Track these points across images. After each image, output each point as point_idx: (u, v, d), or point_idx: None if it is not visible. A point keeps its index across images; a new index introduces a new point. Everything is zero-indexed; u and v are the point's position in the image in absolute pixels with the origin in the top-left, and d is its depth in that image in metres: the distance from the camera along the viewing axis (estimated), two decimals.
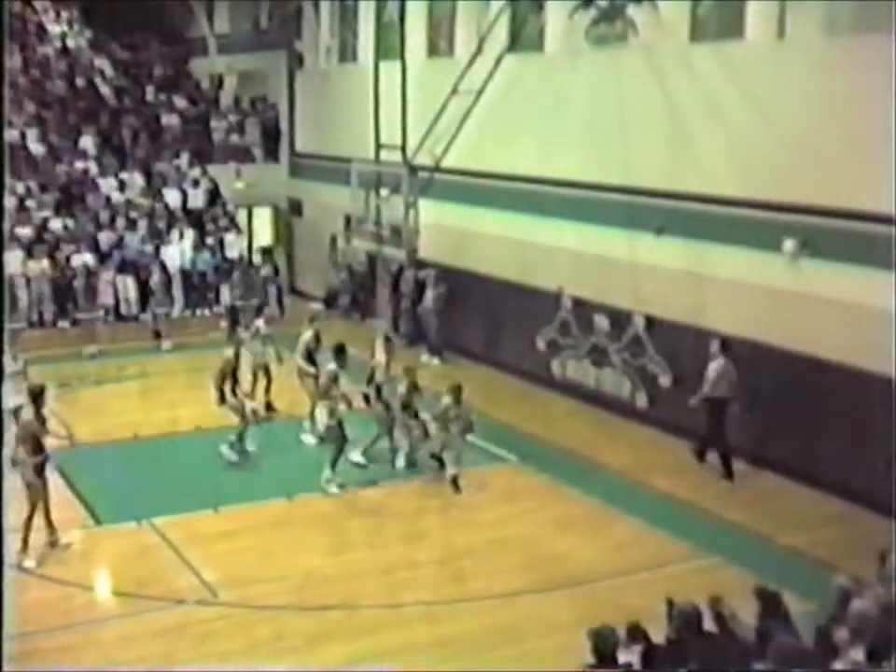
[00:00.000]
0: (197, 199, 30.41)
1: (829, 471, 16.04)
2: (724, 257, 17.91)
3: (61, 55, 34.13)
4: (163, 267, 27.60)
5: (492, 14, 22.84)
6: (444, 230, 24.44)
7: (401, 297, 25.84)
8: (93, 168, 30.19)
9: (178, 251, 28.14)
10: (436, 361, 23.83)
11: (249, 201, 31.94)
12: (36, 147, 29.80)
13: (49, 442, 14.57)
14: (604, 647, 8.61)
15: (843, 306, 15.86)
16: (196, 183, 30.71)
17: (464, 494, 16.51)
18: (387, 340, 19.02)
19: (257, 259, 29.61)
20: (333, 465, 16.46)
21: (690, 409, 17.45)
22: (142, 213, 28.96)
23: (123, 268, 27.24)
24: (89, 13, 35.63)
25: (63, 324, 26.51)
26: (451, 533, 15.60)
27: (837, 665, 8.24)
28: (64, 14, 35.90)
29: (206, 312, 28.11)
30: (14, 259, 25.49)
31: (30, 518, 14.09)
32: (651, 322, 19.50)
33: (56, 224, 27.85)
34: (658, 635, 9.19)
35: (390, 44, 25.55)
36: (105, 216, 28.62)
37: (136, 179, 30.25)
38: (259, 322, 20.46)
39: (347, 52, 30.17)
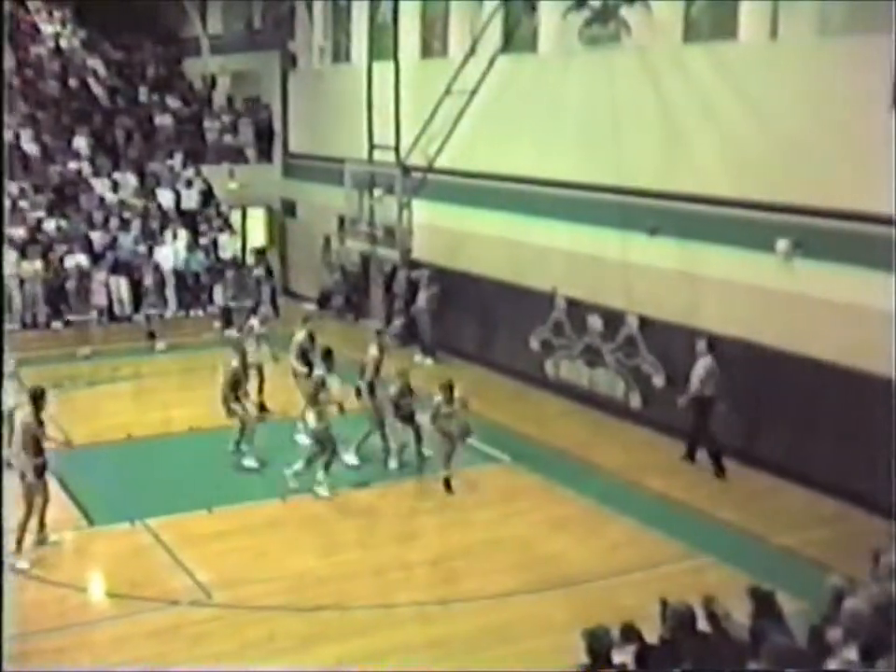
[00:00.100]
0: (190, 199, 30.40)
1: (822, 471, 16.05)
2: (718, 257, 17.92)
3: (54, 55, 34.09)
4: (157, 268, 27.59)
5: (485, 15, 22.88)
6: (438, 230, 24.45)
7: (395, 297, 25.82)
8: (87, 168, 30.17)
9: (172, 252, 28.10)
10: (429, 362, 23.82)
11: (243, 201, 31.91)
12: (30, 148, 29.77)
13: (47, 446, 14.54)
14: (598, 647, 8.61)
15: (836, 306, 15.88)
16: (189, 183, 30.70)
17: (457, 494, 16.51)
18: (378, 333, 18.98)
19: (250, 260, 29.57)
20: (326, 468, 16.39)
21: (683, 409, 17.50)
22: (135, 213, 28.94)
23: (117, 269, 27.21)
24: (82, 13, 35.62)
25: (57, 325, 26.45)
26: (444, 533, 15.59)
27: (831, 664, 8.24)
28: (57, 14, 35.90)
29: (200, 312, 28.08)
30: (8, 260, 25.44)
31: (26, 520, 14.10)
32: (644, 322, 19.51)
33: (49, 225, 27.82)
34: (652, 635, 9.19)
35: (384, 44, 25.60)
36: (98, 216, 28.59)
37: (130, 180, 30.23)
38: (254, 321, 20.44)
39: (341, 53, 30.15)
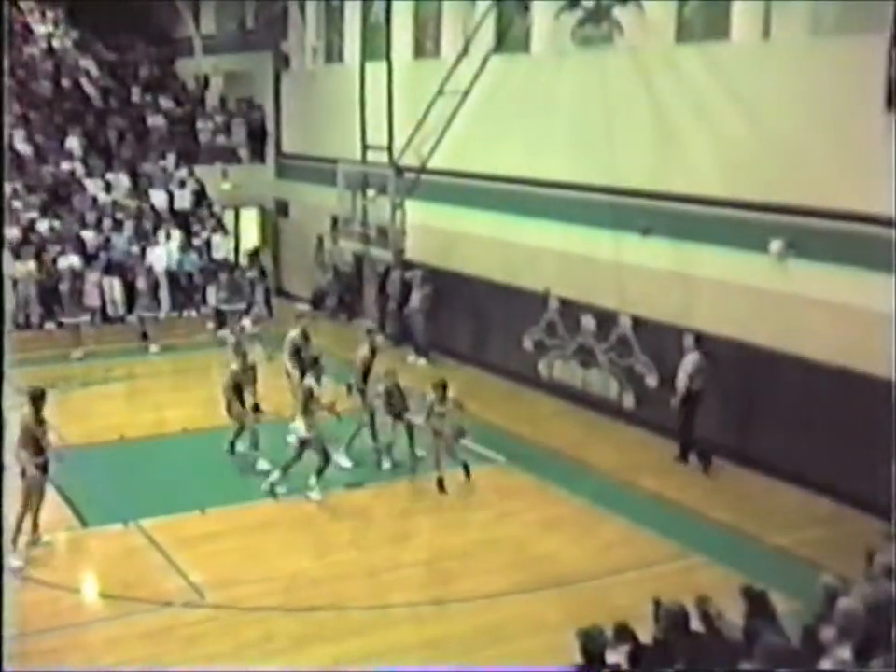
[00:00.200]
0: (183, 200, 30.38)
1: (816, 471, 16.07)
2: (711, 257, 17.94)
3: (46, 56, 34.08)
4: (150, 269, 27.54)
5: (478, 15, 22.90)
6: (431, 230, 24.44)
7: (388, 298, 25.81)
8: (79, 169, 30.14)
9: (165, 252, 28.08)
10: (423, 362, 23.81)
11: (236, 202, 31.90)
12: (23, 148, 29.73)
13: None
14: (593, 647, 8.62)
15: (829, 306, 15.90)
16: (182, 184, 30.69)
17: (450, 495, 16.50)
18: (369, 332, 18.95)
19: (244, 261, 29.52)
20: (319, 474, 16.28)
21: (675, 408, 17.54)
22: (128, 214, 28.91)
23: (110, 269, 27.19)
24: (74, 14, 35.59)
25: (50, 326, 26.44)
26: (438, 534, 15.59)
27: (824, 664, 8.25)
28: (50, 14, 35.87)
29: (193, 313, 28.09)
30: None
31: (22, 518, 14.15)
32: (637, 323, 19.52)
33: (42, 225, 27.78)
34: (645, 635, 9.20)
35: (376, 45, 25.60)
36: (91, 217, 28.56)
37: (122, 180, 30.22)
38: (246, 321, 20.40)
39: (333, 53, 30.14)
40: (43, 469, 14.37)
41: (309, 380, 16.67)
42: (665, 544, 14.63)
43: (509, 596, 13.18)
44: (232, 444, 17.79)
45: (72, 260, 26.81)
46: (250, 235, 32.53)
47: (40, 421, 14.40)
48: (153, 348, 25.28)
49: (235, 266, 28.89)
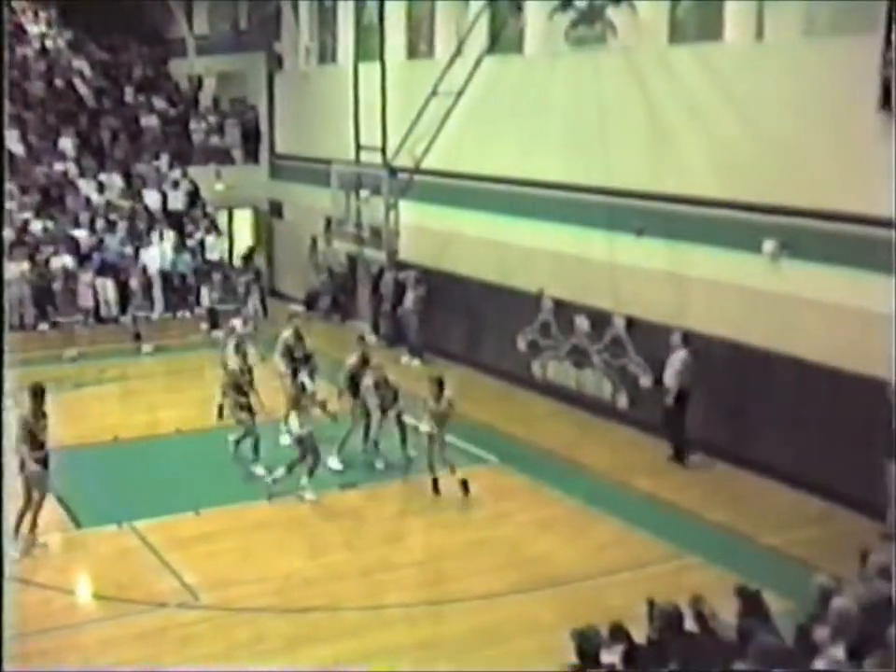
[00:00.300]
0: (177, 200, 30.38)
1: (809, 471, 16.08)
2: (704, 258, 17.95)
3: (39, 56, 34.09)
4: (143, 269, 27.56)
5: (471, 16, 22.89)
6: (425, 231, 24.45)
7: (381, 298, 25.81)
8: (73, 169, 30.12)
9: (158, 253, 28.10)
10: (416, 363, 23.80)
11: (229, 202, 31.89)
12: (16, 149, 29.70)
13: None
14: (588, 648, 8.63)
15: (823, 307, 15.91)
16: (176, 185, 30.67)
17: (444, 496, 16.48)
18: (361, 339, 18.91)
19: (239, 263, 29.47)
20: (310, 474, 16.29)
21: (669, 408, 17.57)
22: (122, 215, 28.91)
23: (103, 270, 27.19)
24: (67, 14, 35.58)
25: (43, 326, 26.45)
26: (431, 534, 15.58)
27: (818, 663, 8.26)
28: (43, 15, 35.87)
29: (187, 314, 28.09)
30: None
31: (24, 512, 14.30)
32: (631, 323, 19.53)
33: (36, 226, 27.76)
34: (640, 635, 9.20)
35: (370, 45, 25.63)
36: (84, 217, 28.54)
37: (116, 181, 30.23)
38: (236, 322, 20.38)
39: (327, 54, 30.14)
40: (43, 463, 14.44)
41: (302, 375, 16.64)
42: (658, 544, 14.63)
43: (503, 597, 13.18)
44: (237, 442, 17.62)
45: (65, 261, 26.83)
46: (244, 236, 32.51)
47: (40, 416, 14.49)
48: (146, 348, 25.26)
49: (229, 267, 28.90)
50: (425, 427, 16.62)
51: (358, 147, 25.16)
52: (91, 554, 14.72)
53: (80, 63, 34.36)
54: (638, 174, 19.13)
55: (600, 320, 20.11)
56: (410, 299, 24.42)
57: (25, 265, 26.29)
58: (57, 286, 26.21)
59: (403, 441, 17.56)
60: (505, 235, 22.24)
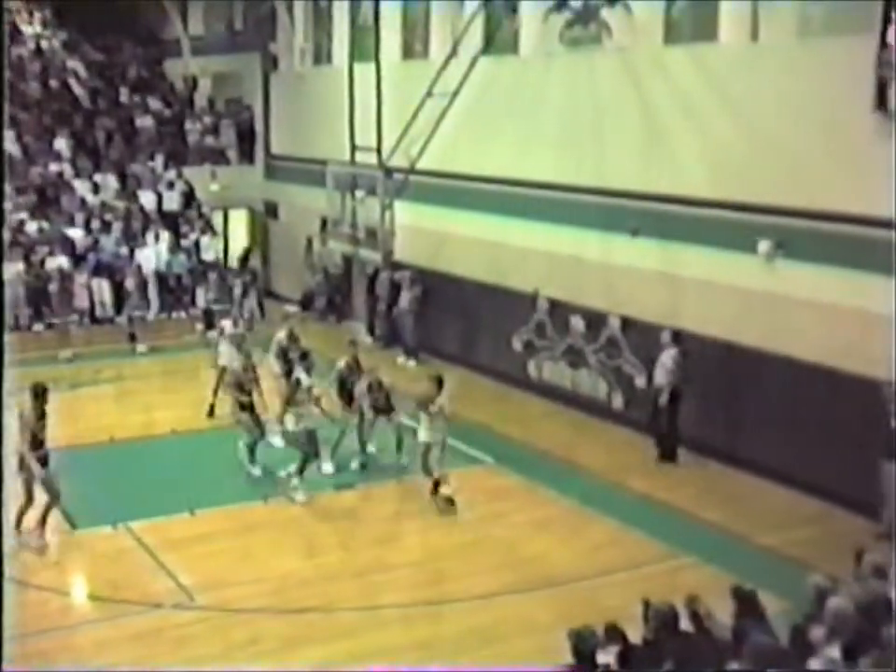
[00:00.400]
0: (172, 201, 30.37)
1: (805, 471, 16.10)
2: (699, 258, 17.96)
3: (34, 57, 34.04)
4: (139, 270, 27.53)
5: (466, 16, 22.90)
6: (420, 231, 24.44)
7: (377, 299, 25.81)
8: (68, 170, 30.10)
9: (154, 253, 28.09)
10: (412, 363, 23.80)
11: (225, 203, 31.88)
12: (11, 149, 29.65)
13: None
14: (584, 648, 8.63)
15: (818, 307, 15.94)
16: (171, 185, 30.66)
17: (440, 496, 16.46)
18: (352, 343, 18.83)
19: (235, 265, 29.43)
20: (300, 472, 16.30)
21: (663, 408, 17.59)
22: (117, 215, 28.89)
23: (98, 271, 27.17)
24: (62, 15, 35.53)
25: (38, 327, 26.42)
26: (427, 535, 15.56)
27: (813, 663, 8.26)
28: (38, 15, 35.81)
29: (182, 315, 28.06)
30: None
31: (25, 509, 14.43)
32: (626, 323, 19.54)
33: (31, 227, 27.73)
34: (635, 635, 9.21)
35: (365, 46, 25.61)
36: (79, 218, 28.52)
37: (111, 181, 30.19)
38: (226, 323, 20.37)
39: (322, 54, 30.14)
40: (43, 462, 14.44)
41: (298, 371, 16.61)
42: (654, 545, 14.64)
43: (499, 597, 13.18)
44: (251, 449, 17.31)
45: (60, 262, 26.81)
46: (239, 237, 32.50)
47: (41, 416, 14.53)
48: (140, 348, 25.23)
49: (225, 267, 28.89)
50: (423, 436, 16.40)
51: (354, 148, 25.15)
52: (86, 555, 14.71)
53: (75, 64, 34.32)
54: (634, 174, 19.14)
55: (596, 320, 20.12)
56: (405, 299, 24.42)
57: (20, 266, 26.25)
58: (52, 286, 26.18)
59: (399, 446, 17.50)
60: (500, 235, 22.24)
